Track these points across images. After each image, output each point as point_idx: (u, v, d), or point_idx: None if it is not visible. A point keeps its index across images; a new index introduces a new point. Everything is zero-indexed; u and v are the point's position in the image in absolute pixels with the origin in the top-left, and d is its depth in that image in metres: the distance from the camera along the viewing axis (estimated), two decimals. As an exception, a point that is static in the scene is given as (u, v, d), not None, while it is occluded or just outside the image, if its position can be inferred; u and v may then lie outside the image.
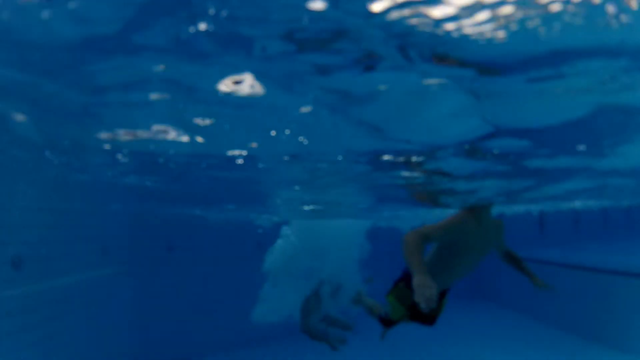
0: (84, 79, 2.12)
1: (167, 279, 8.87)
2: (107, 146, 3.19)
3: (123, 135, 2.94)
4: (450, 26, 1.60)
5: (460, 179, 4.22)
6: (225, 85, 2.12)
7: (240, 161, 3.52)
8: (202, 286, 9.27)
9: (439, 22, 1.57)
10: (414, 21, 1.58)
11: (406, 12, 1.52)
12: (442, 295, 4.21)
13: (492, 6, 1.49)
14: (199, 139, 2.99)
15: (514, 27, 1.59)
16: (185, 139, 2.96)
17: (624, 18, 1.55)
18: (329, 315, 6.99)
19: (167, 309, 8.78)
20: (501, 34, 1.64)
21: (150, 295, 8.56)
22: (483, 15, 1.53)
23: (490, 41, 1.68)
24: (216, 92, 2.19)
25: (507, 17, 1.53)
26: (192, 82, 2.13)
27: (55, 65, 1.99)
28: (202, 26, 1.62)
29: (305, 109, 2.44)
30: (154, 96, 2.27)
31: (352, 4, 1.50)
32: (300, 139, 3.01)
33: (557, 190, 5.50)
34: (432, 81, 2.04)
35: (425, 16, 1.54)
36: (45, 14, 1.56)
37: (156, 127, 2.79)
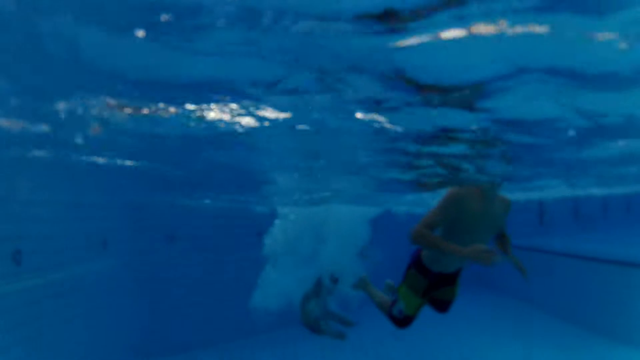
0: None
1: (168, 270, 8.75)
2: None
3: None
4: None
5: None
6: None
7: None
8: (203, 276, 9.14)
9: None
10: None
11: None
12: (454, 279, 4.11)
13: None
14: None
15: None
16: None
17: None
18: (329, 310, 6.85)
19: (168, 299, 8.68)
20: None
21: (151, 286, 8.44)
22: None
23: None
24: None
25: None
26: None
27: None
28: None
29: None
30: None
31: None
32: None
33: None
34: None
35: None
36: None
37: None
